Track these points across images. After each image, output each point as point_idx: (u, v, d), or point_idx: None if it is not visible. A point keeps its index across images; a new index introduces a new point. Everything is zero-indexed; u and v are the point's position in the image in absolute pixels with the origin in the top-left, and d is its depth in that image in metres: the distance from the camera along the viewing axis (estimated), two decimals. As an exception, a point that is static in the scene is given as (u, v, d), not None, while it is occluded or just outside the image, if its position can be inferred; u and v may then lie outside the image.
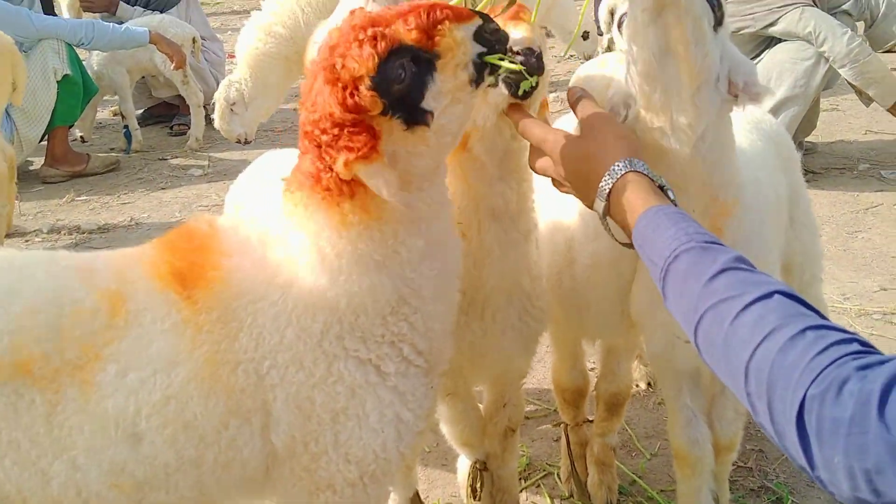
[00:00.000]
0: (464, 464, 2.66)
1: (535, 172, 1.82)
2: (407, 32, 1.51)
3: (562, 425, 2.91)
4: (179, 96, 7.68)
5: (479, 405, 2.62)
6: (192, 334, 1.61)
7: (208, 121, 7.01)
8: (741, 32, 5.52)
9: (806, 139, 6.16)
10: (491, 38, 1.58)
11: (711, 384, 2.40)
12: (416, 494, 2.64)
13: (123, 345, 1.59)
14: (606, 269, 2.35)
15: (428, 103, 1.55)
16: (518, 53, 1.68)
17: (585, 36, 8.08)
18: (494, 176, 2.00)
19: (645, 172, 1.58)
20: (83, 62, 6.77)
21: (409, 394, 1.72)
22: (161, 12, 7.75)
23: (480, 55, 1.58)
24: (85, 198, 6.34)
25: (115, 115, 8.42)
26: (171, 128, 8.07)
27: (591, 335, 2.74)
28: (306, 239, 1.62)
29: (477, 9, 1.64)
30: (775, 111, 5.28)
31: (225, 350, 1.62)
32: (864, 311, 4.07)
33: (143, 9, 7.80)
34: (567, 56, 9.80)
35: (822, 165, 6.05)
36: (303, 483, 1.73)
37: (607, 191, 1.58)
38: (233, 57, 7.71)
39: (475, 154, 1.97)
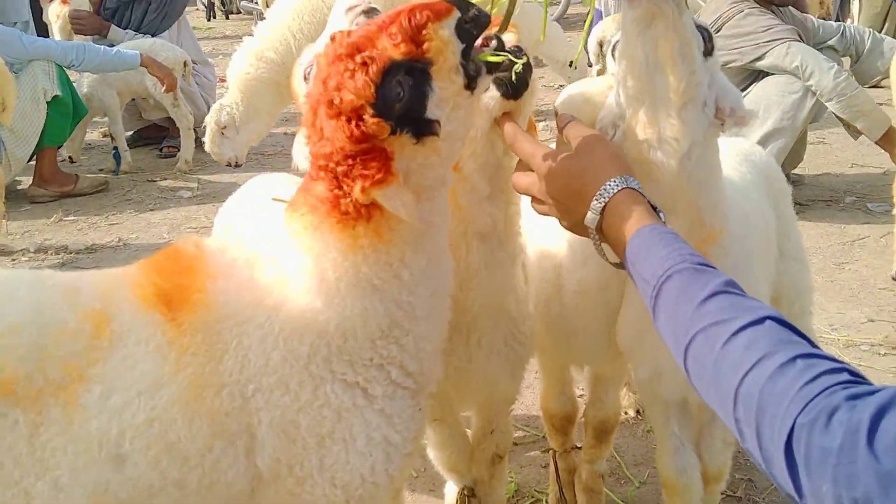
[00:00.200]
0: (451, 490, 2.63)
1: (517, 190, 1.81)
2: (394, 48, 1.48)
3: (550, 452, 2.89)
4: (169, 119, 7.68)
5: (468, 430, 2.60)
6: (176, 356, 1.59)
7: (198, 143, 7.02)
8: (729, 66, 5.58)
9: (793, 171, 6.21)
10: (471, 28, 1.54)
11: (700, 413, 2.39)
12: (403, 520, 2.62)
13: (108, 366, 1.57)
14: (594, 296, 2.34)
15: (432, 112, 1.53)
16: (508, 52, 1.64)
17: (572, 64, 8.16)
18: (484, 196, 2.00)
19: (640, 191, 1.58)
20: (73, 84, 6.76)
21: (396, 416, 1.70)
22: (152, 36, 7.78)
23: (464, 52, 1.54)
24: (73, 218, 6.31)
25: (104, 136, 8.41)
26: (161, 150, 8.06)
27: (579, 362, 2.73)
28: (308, 261, 1.61)
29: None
30: (763, 143, 5.33)
31: (209, 373, 1.60)
32: (852, 341, 4.08)
33: (134, 32, 7.82)
34: (556, 86, 9.88)
35: (809, 197, 6.09)
36: None
37: (602, 206, 1.57)
38: (224, 81, 7.72)
39: (466, 174, 1.97)
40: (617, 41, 1.90)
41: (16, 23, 6.52)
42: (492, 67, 1.60)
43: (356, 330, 1.63)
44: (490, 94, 1.83)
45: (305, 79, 1.97)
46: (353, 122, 1.47)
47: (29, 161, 6.57)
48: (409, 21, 1.49)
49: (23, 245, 5.75)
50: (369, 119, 1.46)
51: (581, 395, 3.19)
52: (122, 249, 5.69)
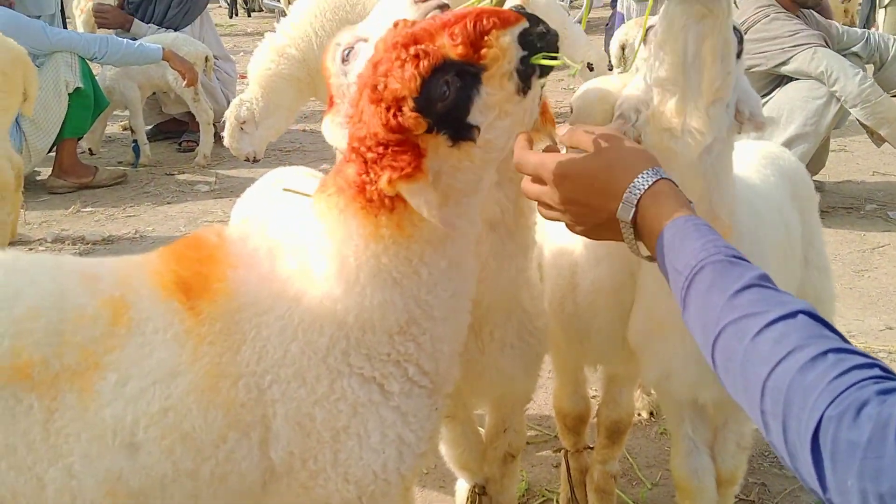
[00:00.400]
0: (462, 487, 2.63)
1: (528, 197, 1.77)
2: (452, 47, 1.45)
3: (562, 451, 2.88)
4: (189, 113, 7.71)
5: (481, 429, 2.59)
6: (193, 345, 1.59)
7: (217, 138, 7.03)
8: (753, 70, 5.55)
9: (814, 178, 6.17)
10: (536, 41, 1.50)
11: (715, 416, 2.38)
12: (413, 517, 2.61)
13: (124, 353, 1.57)
14: (608, 296, 2.34)
15: (474, 118, 1.50)
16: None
17: (591, 67, 8.14)
18: (492, 183, 1.98)
19: (673, 181, 1.55)
20: (95, 76, 6.80)
21: (411, 414, 1.69)
22: (175, 30, 7.82)
23: (523, 59, 1.49)
24: (90, 209, 6.35)
25: (124, 129, 8.46)
26: (180, 144, 8.10)
27: (592, 361, 2.72)
28: (330, 245, 1.60)
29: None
30: (786, 147, 5.29)
31: (227, 363, 1.60)
32: (870, 348, 4.04)
33: (157, 26, 7.87)
34: (571, 87, 9.86)
35: (830, 204, 6.05)
36: (300, 500, 1.70)
37: (638, 197, 1.53)
38: (244, 77, 7.75)
39: None
40: (652, 26, 1.89)
41: (40, 16, 6.56)
42: (544, 71, 1.54)
43: (374, 323, 1.62)
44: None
45: (344, 60, 1.94)
46: (392, 111, 1.45)
47: (49, 152, 6.62)
48: (474, 25, 1.45)
49: (40, 235, 5.79)
50: (408, 112, 1.44)
51: (594, 396, 3.18)
52: (139, 241, 5.72)
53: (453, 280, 1.67)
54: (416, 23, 1.53)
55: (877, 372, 1.13)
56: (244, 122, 5.41)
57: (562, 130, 1.73)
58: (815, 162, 5.85)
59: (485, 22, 1.46)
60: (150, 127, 8.12)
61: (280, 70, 5.43)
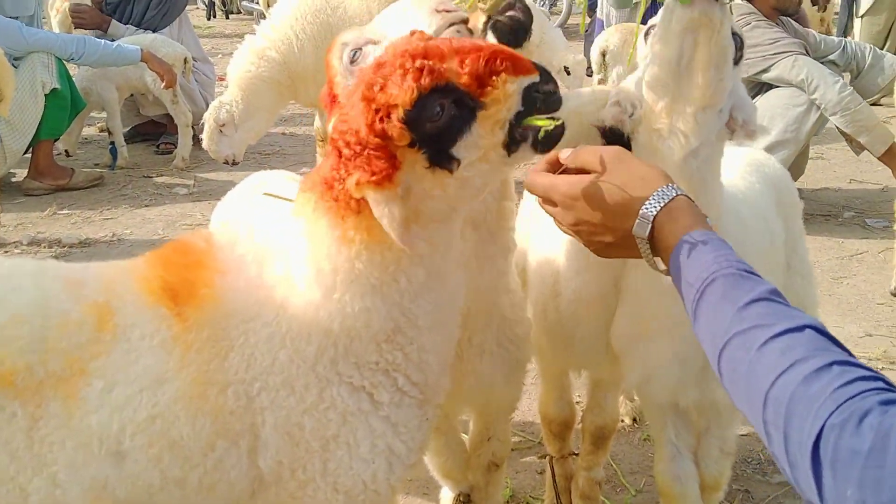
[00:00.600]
0: (447, 495, 2.61)
1: (533, 191, 1.74)
2: (459, 74, 1.44)
3: (547, 457, 2.88)
4: (167, 115, 7.64)
5: (465, 436, 2.58)
6: (181, 352, 1.57)
7: (195, 141, 6.98)
8: (734, 77, 5.58)
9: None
10: (539, 100, 1.49)
11: (698, 421, 2.38)
12: (397, 525, 2.59)
13: (110, 359, 1.55)
14: (591, 305, 2.34)
15: (458, 151, 1.47)
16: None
17: (567, 72, 8.14)
18: None
19: (689, 197, 1.56)
20: (72, 77, 6.73)
21: (402, 425, 1.68)
22: (153, 32, 7.74)
23: (518, 115, 1.48)
24: (67, 211, 6.27)
25: (101, 131, 8.37)
26: (158, 146, 8.02)
27: (577, 367, 2.72)
28: (305, 247, 1.58)
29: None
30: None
31: (214, 370, 1.58)
32: (849, 356, 4.06)
33: (135, 27, 7.79)
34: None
35: (808, 212, 6.03)
36: None
37: (654, 214, 1.53)
38: (223, 79, 7.69)
39: None
40: (652, 26, 1.89)
41: (18, 17, 6.47)
42: (538, 141, 1.51)
43: (360, 330, 1.60)
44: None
45: (352, 61, 1.90)
46: (380, 115, 1.43)
47: (25, 153, 6.53)
48: (487, 60, 1.44)
49: (16, 237, 5.71)
50: (396, 121, 1.41)
51: (578, 402, 3.18)
52: (116, 244, 5.65)
53: (435, 291, 1.64)
54: (432, 38, 1.52)
55: (880, 384, 1.14)
56: (223, 125, 5.37)
57: (564, 154, 1.71)
58: (794, 169, 5.89)
59: (498, 61, 1.45)
60: (127, 129, 8.03)
61: (260, 72, 5.40)
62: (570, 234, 1.72)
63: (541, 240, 2.44)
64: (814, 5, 11.56)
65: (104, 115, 7.65)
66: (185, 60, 7.41)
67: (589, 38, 9.95)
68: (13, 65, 5.74)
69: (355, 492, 1.65)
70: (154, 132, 8.26)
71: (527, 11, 2.01)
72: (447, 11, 1.84)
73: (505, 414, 2.47)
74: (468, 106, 1.46)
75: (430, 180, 1.49)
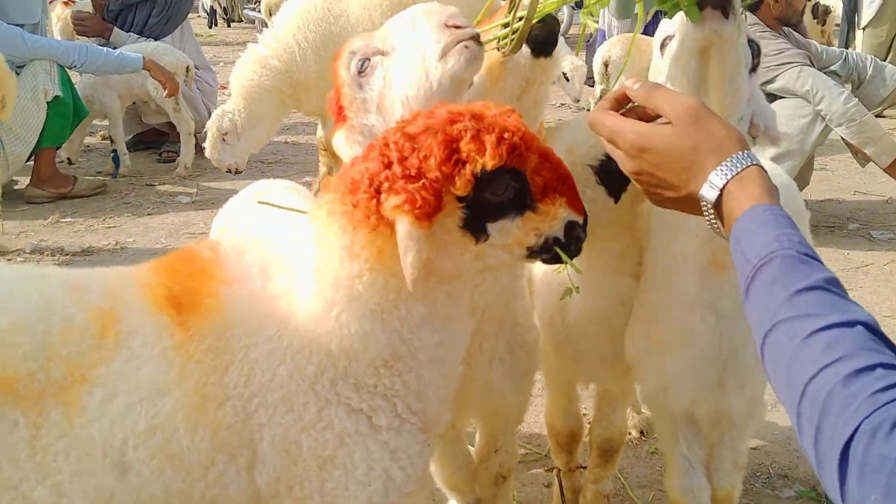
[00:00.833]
0: (453, 507, 2.58)
1: (597, 128, 1.69)
2: (536, 173, 1.50)
3: (554, 470, 2.85)
4: (170, 123, 7.63)
5: (471, 447, 2.55)
6: (182, 362, 1.54)
7: (198, 149, 6.97)
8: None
9: (797, 195, 6.20)
10: (573, 238, 1.57)
11: (711, 433, 2.35)
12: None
13: (111, 367, 1.52)
14: (597, 323, 2.33)
15: (492, 229, 1.51)
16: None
17: (567, 78, 8.25)
18: None
19: (762, 167, 1.49)
20: (75, 85, 6.71)
21: (401, 451, 1.64)
22: (155, 40, 7.74)
23: (547, 238, 1.55)
24: (69, 220, 6.24)
25: (103, 139, 8.36)
26: (160, 154, 8.01)
27: (585, 379, 2.70)
28: (314, 254, 1.56)
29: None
30: (771, 165, 5.34)
31: (214, 383, 1.55)
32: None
33: (137, 35, 7.79)
34: (558, 104, 9.89)
35: (812, 223, 5.98)
36: None
37: (725, 181, 1.47)
38: (225, 88, 7.70)
39: None
40: (668, 37, 1.87)
41: (23, 24, 6.46)
42: (550, 262, 1.61)
43: (358, 353, 1.57)
44: (522, 53, 1.80)
45: (360, 73, 1.86)
46: (456, 159, 1.44)
47: (27, 161, 6.51)
48: (559, 179, 1.53)
49: (18, 245, 5.68)
50: (468, 173, 1.43)
51: (585, 414, 3.14)
52: (119, 253, 5.62)
53: (438, 331, 1.62)
54: (527, 129, 1.54)
55: None
56: (226, 133, 5.37)
57: (634, 85, 1.65)
58: (798, 180, 5.88)
59: (566, 187, 1.54)
60: (129, 137, 8.03)
61: (262, 81, 5.40)
62: (630, 178, 1.67)
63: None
64: (814, 18, 11.63)
65: (106, 123, 7.64)
66: (188, 68, 7.42)
67: (591, 48, 9.98)
68: (15, 72, 5.73)
69: None
70: (156, 140, 8.26)
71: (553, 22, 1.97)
72: (457, 27, 1.81)
73: (513, 424, 2.44)
74: (524, 201, 1.51)
75: (454, 238, 1.50)
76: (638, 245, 2.25)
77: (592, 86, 8.86)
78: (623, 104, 1.69)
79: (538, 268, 2.48)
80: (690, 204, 1.55)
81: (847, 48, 9.18)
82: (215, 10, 18.76)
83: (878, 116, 7.15)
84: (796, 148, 5.48)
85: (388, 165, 1.47)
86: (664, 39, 1.88)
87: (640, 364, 2.27)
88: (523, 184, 1.50)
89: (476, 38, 1.78)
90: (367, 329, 1.55)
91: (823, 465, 1.12)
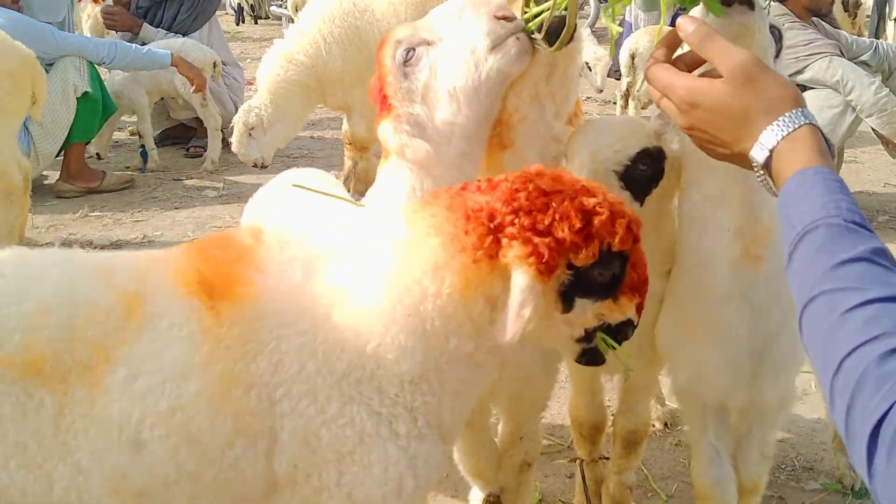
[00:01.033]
0: (476, 496, 2.58)
1: (654, 83, 1.66)
2: (633, 270, 1.58)
3: (577, 461, 2.84)
4: (197, 119, 7.68)
5: (495, 438, 2.55)
6: (209, 347, 1.56)
7: (225, 144, 7.01)
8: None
9: (826, 188, 6.12)
10: (622, 333, 1.64)
11: (738, 424, 2.34)
12: (425, 525, 2.56)
13: (135, 348, 1.54)
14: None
15: (578, 304, 1.56)
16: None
17: (589, 67, 8.23)
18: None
19: (818, 126, 1.45)
20: (104, 81, 6.78)
21: (420, 458, 1.66)
22: (183, 36, 7.79)
23: (600, 326, 1.62)
24: (98, 213, 6.31)
25: (132, 134, 8.44)
26: (188, 149, 8.07)
27: (610, 370, 2.67)
28: (392, 252, 1.58)
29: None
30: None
31: (241, 370, 1.56)
32: (885, 361, 3.98)
33: (165, 31, 7.84)
34: (584, 97, 9.84)
35: (841, 215, 5.99)
36: None
37: (776, 141, 1.43)
38: (252, 84, 7.73)
39: (518, 146, 1.96)
40: None
41: (50, 22, 6.53)
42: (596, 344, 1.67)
43: (388, 363, 1.59)
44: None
45: (406, 62, 1.85)
46: (589, 231, 1.49)
47: (57, 156, 6.59)
48: (642, 282, 1.60)
49: (48, 239, 5.75)
50: (595, 247, 1.49)
51: (609, 405, 3.13)
52: (147, 246, 5.67)
53: (469, 371, 1.66)
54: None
55: None
56: (252, 128, 5.40)
57: (688, 25, 1.59)
58: (828, 172, 5.82)
59: (646, 288, 1.61)
60: (157, 132, 8.09)
61: (289, 76, 5.42)
62: (682, 131, 1.65)
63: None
64: (845, 10, 11.47)
65: (135, 118, 7.70)
66: (215, 64, 7.46)
67: (617, 41, 9.91)
68: (45, 68, 5.80)
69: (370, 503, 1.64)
70: (184, 136, 8.32)
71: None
72: (506, 19, 1.80)
73: (537, 411, 2.45)
74: (615, 289, 1.58)
75: (545, 302, 1.52)
76: (663, 245, 2.24)
77: (619, 79, 8.79)
78: (676, 46, 1.66)
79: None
80: (743, 161, 1.52)
81: (877, 38, 9.06)
82: (242, 7, 18.86)
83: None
84: (826, 139, 5.42)
85: (516, 212, 1.49)
86: None
87: (673, 355, 2.27)
88: (622, 273, 1.57)
89: (525, 31, 1.78)
90: (409, 344, 1.57)
91: (853, 442, 1.11)
